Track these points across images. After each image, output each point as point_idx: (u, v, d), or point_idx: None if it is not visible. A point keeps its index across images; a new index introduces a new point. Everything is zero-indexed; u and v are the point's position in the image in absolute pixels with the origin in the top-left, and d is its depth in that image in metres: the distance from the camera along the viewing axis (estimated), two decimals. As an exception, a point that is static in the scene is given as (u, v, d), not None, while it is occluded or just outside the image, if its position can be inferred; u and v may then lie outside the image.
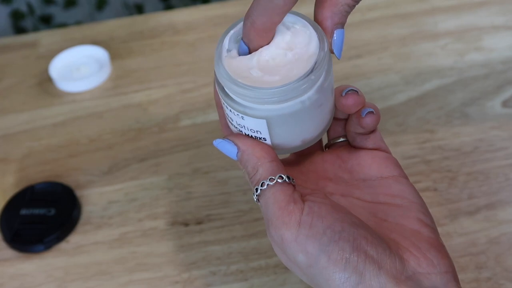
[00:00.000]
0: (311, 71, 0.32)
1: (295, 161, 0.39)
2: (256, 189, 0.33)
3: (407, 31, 0.68)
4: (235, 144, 0.35)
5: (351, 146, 0.38)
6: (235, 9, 0.75)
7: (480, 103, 0.58)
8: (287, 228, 0.31)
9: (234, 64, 0.33)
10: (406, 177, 0.36)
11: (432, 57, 0.64)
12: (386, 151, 0.37)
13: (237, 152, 0.35)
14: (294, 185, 0.34)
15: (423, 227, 0.34)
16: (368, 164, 0.37)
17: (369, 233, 0.31)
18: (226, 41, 0.35)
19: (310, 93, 0.33)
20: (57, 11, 1.08)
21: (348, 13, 0.34)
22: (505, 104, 0.58)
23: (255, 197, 0.34)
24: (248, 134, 0.35)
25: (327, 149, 0.39)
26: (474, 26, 0.68)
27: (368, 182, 0.36)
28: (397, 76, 0.63)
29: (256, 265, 0.47)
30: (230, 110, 0.34)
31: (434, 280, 0.31)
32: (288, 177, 0.33)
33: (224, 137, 0.35)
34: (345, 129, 0.38)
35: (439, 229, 0.48)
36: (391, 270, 0.30)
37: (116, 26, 0.75)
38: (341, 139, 0.38)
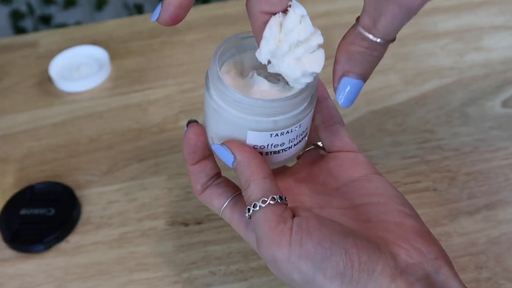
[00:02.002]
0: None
1: None
2: (248, 209, 0.33)
3: (407, 31, 0.68)
4: (232, 153, 0.34)
5: (320, 158, 0.39)
6: (235, 9, 0.75)
7: (480, 103, 0.58)
8: (278, 248, 0.32)
9: (260, 93, 0.34)
10: (377, 173, 0.37)
11: (432, 57, 0.64)
12: (354, 150, 0.38)
13: (233, 161, 0.34)
14: (286, 203, 0.34)
15: (405, 217, 0.34)
16: (337, 172, 0.37)
17: (357, 239, 0.32)
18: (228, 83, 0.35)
19: None
20: (56, 11, 1.08)
21: (372, 62, 0.32)
22: (505, 104, 0.58)
23: (247, 215, 0.34)
24: (299, 141, 0.36)
25: (298, 159, 0.40)
26: (474, 26, 0.68)
27: (342, 189, 0.36)
28: (397, 76, 0.63)
29: (255, 265, 0.47)
30: (287, 132, 0.34)
31: (426, 268, 0.31)
32: (280, 197, 0.33)
33: (223, 144, 0.35)
34: (314, 131, 0.38)
35: (439, 229, 0.48)
36: (385, 269, 0.31)
37: (116, 26, 0.75)
38: (312, 146, 0.39)
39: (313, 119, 0.38)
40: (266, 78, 0.35)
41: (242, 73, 0.36)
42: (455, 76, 0.62)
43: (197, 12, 0.75)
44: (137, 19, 0.78)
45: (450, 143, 0.55)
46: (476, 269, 0.45)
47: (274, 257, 0.32)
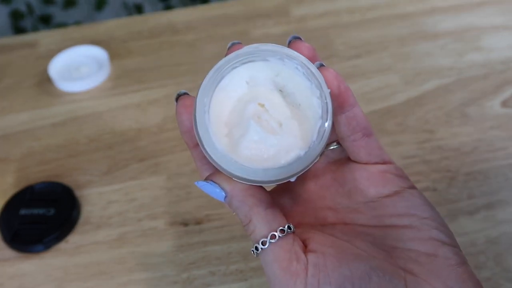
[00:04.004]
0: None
1: (287, 190, 0.35)
2: (256, 248, 0.30)
3: (407, 31, 0.68)
4: (222, 188, 0.31)
5: (345, 158, 0.34)
6: (235, 9, 0.74)
7: (479, 103, 0.58)
8: None
9: (248, 148, 0.30)
10: (411, 187, 0.32)
11: (431, 57, 0.64)
12: (384, 162, 0.33)
13: (225, 197, 0.31)
14: (293, 231, 0.31)
15: (439, 247, 0.30)
16: (363, 185, 0.32)
17: (382, 280, 0.29)
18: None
19: None
20: (56, 11, 1.08)
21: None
22: (504, 104, 0.58)
23: (254, 254, 0.30)
24: (306, 171, 0.30)
25: (319, 157, 0.33)
26: (474, 26, 0.68)
27: (369, 204, 0.32)
28: (396, 76, 0.63)
29: (255, 265, 0.47)
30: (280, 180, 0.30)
31: None
32: (288, 227, 0.30)
33: (207, 178, 0.31)
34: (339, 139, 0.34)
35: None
36: None
37: (116, 26, 0.75)
38: (336, 146, 0.34)
39: (335, 128, 0.32)
40: (263, 123, 0.30)
41: (238, 102, 0.31)
42: (455, 76, 0.62)
43: (197, 12, 0.75)
44: (137, 19, 0.78)
45: (450, 143, 0.55)
46: (475, 269, 0.45)
47: None
